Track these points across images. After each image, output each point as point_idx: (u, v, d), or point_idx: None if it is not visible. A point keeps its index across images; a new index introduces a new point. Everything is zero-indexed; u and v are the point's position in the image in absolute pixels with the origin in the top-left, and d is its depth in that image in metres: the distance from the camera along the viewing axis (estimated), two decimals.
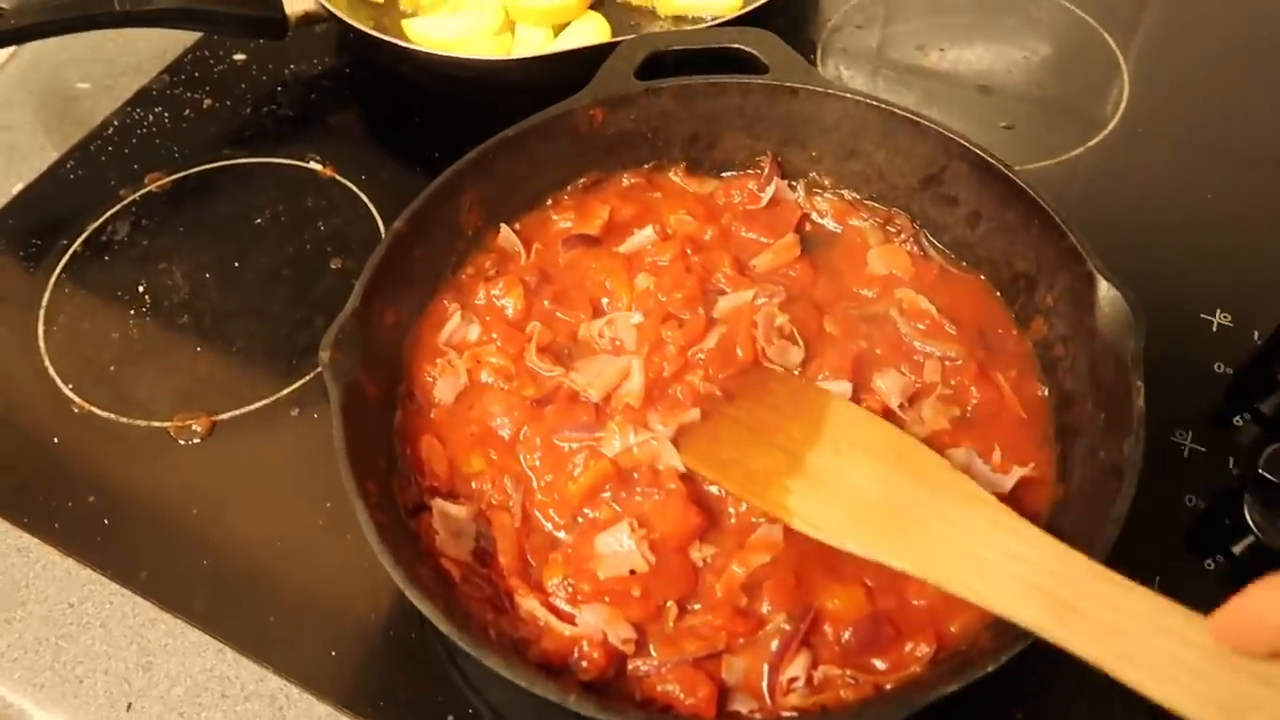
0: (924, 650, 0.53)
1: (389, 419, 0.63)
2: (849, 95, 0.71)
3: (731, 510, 0.59)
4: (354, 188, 0.83)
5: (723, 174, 0.77)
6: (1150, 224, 0.79)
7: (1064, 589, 0.44)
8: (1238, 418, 0.67)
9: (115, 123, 0.90)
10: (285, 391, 0.70)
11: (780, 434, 0.58)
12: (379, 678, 0.58)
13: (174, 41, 0.96)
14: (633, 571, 0.56)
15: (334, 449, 0.54)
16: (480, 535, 0.59)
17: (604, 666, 0.53)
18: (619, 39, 0.77)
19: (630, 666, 0.53)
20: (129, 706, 0.58)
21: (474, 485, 0.61)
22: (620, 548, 0.56)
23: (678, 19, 0.95)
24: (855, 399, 0.63)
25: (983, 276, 0.69)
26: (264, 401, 0.70)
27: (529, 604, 0.55)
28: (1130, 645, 0.40)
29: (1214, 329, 0.71)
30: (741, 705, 0.52)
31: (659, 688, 0.52)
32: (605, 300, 0.70)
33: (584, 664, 0.53)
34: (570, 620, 0.54)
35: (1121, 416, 0.54)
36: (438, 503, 0.59)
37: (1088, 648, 0.41)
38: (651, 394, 0.63)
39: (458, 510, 0.59)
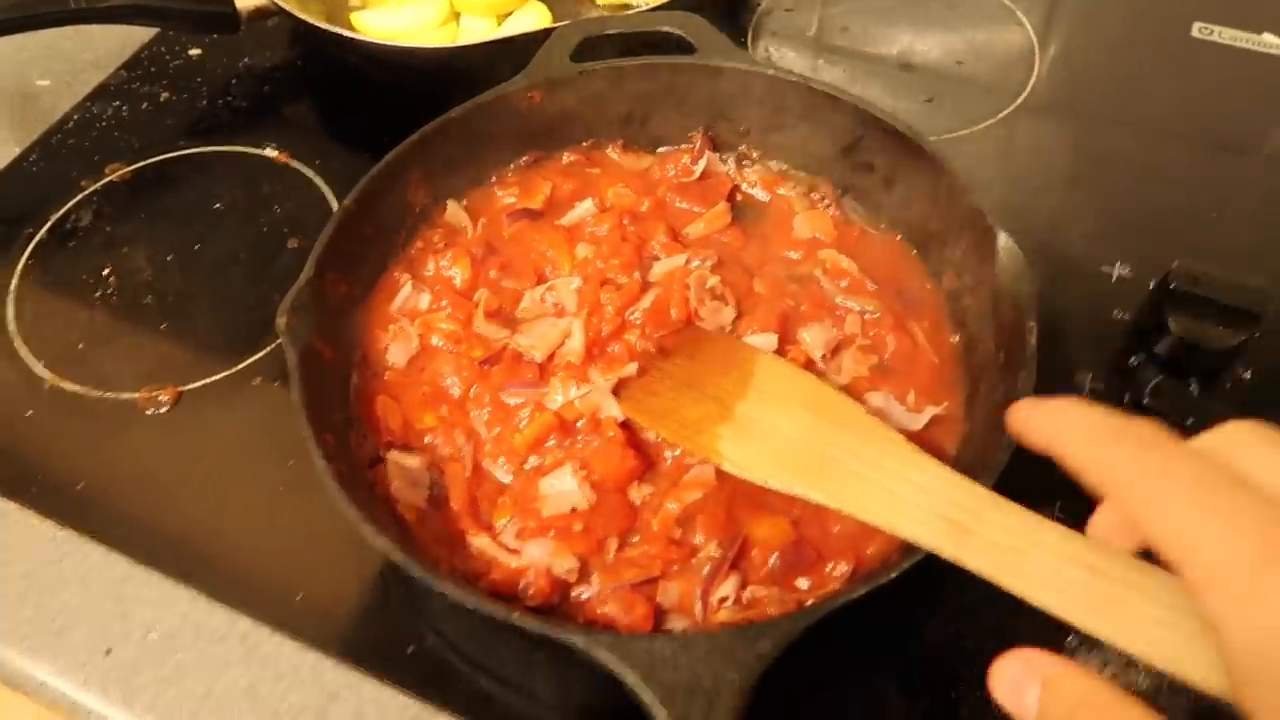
0: (843, 569, 0.58)
1: (345, 381, 0.67)
2: (770, 72, 0.76)
3: (668, 455, 0.64)
4: (309, 172, 0.87)
5: (657, 150, 0.81)
6: (1055, 187, 0.85)
7: (961, 515, 0.49)
8: (1134, 358, 0.73)
9: (75, 117, 0.93)
10: (247, 363, 0.74)
11: (712, 386, 0.64)
12: (343, 617, 0.62)
13: (131, 38, 0.99)
14: (574, 509, 0.60)
15: (293, 406, 0.58)
16: (434, 484, 0.63)
17: (549, 594, 0.57)
18: (557, 24, 0.81)
19: (573, 593, 0.58)
20: (108, 651, 0.61)
21: (427, 440, 0.65)
22: (563, 487, 0.61)
23: (618, 6, 0.99)
24: (781, 351, 0.68)
25: (899, 237, 0.75)
26: (226, 373, 0.73)
27: (479, 541, 0.60)
28: (1014, 559, 0.45)
29: (1113, 279, 0.77)
30: (676, 624, 0.57)
31: (599, 610, 0.57)
32: (548, 269, 0.74)
33: (530, 591, 0.57)
34: (517, 554, 0.59)
35: (1018, 354, 0.59)
36: (393, 454, 0.63)
37: (979, 563, 0.46)
38: (591, 352, 0.68)
39: (412, 461, 0.63)
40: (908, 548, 0.55)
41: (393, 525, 0.60)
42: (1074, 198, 0.84)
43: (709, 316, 0.71)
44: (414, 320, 0.70)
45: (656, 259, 0.74)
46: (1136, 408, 0.68)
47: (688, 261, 0.73)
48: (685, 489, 0.62)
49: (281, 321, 0.62)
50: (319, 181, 0.86)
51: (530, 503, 0.61)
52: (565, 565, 0.58)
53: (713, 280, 0.72)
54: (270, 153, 0.88)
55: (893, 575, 0.51)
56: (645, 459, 0.63)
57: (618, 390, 0.66)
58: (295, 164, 0.87)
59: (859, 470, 0.55)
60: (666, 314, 0.70)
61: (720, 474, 0.61)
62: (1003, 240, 0.64)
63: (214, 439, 0.70)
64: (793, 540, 0.59)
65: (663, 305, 0.71)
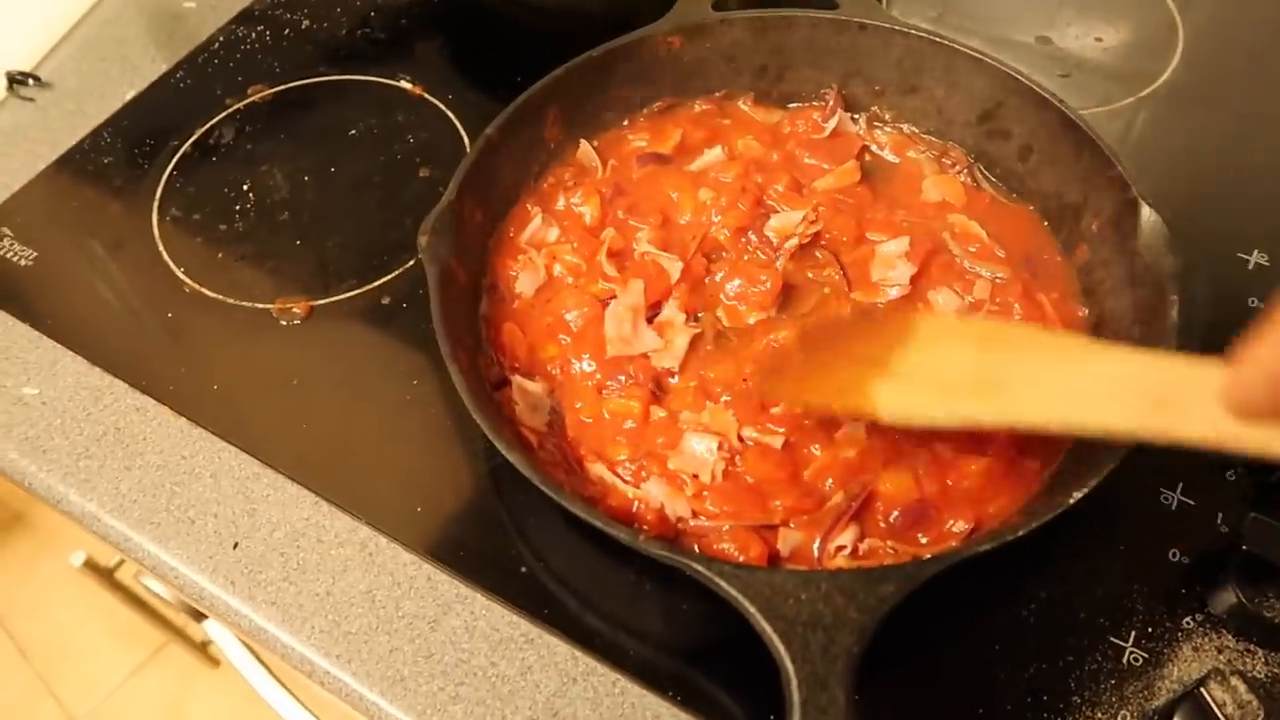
0: (961, 526, 0.58)
1: (475, 306, 0.69)
2: (914, 31, 0.75)
3: (829, 485, 0.60)
4: (441, 106, 0.88)
5: (789, 105, 0.81)
6: (1192, 171, 0.83)
7: (1156, 389, 0.48)
8: None
9: (220, 38, 0.96)
10: (377, 283, 0.76)
11: (866, 350, 0.60)
12: (460, 534, 0.64)
13: None
14: (697, 476, 0.60)
15: (433, 319, 0.59)
16: (553, 410, 0.65)
17: (660, 529, 0.58)
18: None
19: (692, 524, 0.59)
20: (235, 545, 0.64)
21: (549, 369, 0.67)
22: (701, 453, 0.61)
23: None
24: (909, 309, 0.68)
25: (1031, 208, 0.73)
26: (357, 290, 0.76)
27: (597, 468, 0.61)
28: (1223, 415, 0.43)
29: (1250, 266, 0.75)
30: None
31: (714, 545, 0.58)
32: (673, 212, 0.74)
33: (643, 525, 0.58)
34: (634, 486, 0.60)
35: (1157, 330, 0.58)
36: (517, 379, 0.65)
37: (1191, 431, 0.45)
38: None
39: (535, 386, 0.65)
40: (1031, 510, 0.55)
41: (516, 445, 0.61)
42: (1212, 183, 0.82)
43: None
44: (540, 251, 0.72)
45: (775, 210, 0.74)
46: None
47: (804, 218, 0.72)
48: (840, 446, 0.61)
49: (423, 240, 0.64)
50: (451, 115, 0.88)
51: (652, 442, 0.62)
52: (679, 512, 0.59)
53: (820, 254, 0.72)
54: (405, 84, 0.90)
55: (1019, 533, 0.51)
56: (796, 477, 0.61)
57: (763, 385, 0.64)
58: (429, 97, 0.89)
59: (1033, 381, 0.52)
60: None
61: (870, 429, 0.60)
62: (1147, 214, 0.63)
63: (343, 353, 0.73)
64: (916, 498, 0.59)
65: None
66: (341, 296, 0.75)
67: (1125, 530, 0.62)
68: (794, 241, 0.71)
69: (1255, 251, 0.75)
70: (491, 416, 0.57)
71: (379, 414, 0.69)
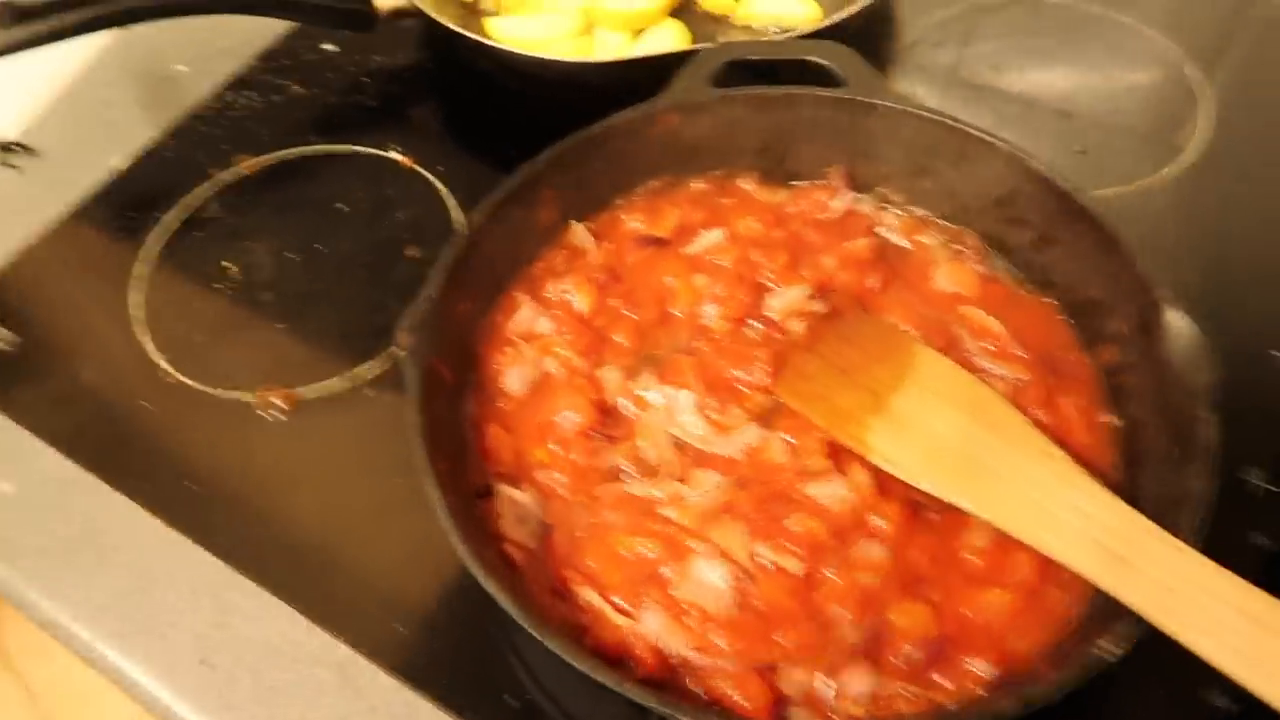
0: (984, 668, 0.53)
1: (460, 405, 0.65)
2: (925, 113, 0.72)
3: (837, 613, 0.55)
4: (432, 178, 0.85)
5: (792, 184, 0.77)
6: (1221, 256, 0.79)
7: (1120, 545, 0.48)
8: None
9: (210, 104, 0.94)
10: (361, 369, 0.73)
11: (865, 375, 0.62)
12: (442, 654, 0.60)
13: (267, 29, 1.00)
14: (706, 611, 0.55)
15: (407, 428, 0.56)
16: (544, 523, 0.61)
17: (657, 665, 0.54)
18: (698, 45, 0.78)
19: (692, 658, 0.54)
20: (203, 661, 0.61)
21: (538, 475, 0.62)
22: (711, 582, 0.55)
23: (749, 29, 0.96)
24: None
25: (1052, 302, 0.69)
26: (341, 380, 0.72)
27: (587, 594, 0.57)
28: (1176, 602, 0.44)
29: None
30: (796, 717, 0.53)
31: (712, 681, 0.53)
32: (669, 301, 0.70)
33: (637, 662, 0.54)
34: (630, 618, 0.55)
35: (1188, 448, 0.54)
36: (503, 488, 0.61)
37: (1136, 598, 0.45)
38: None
39: (522, 496, 0.61)
40: (1063, 655, 0.51)
41: (500, 564, 0.58)
42: (1242, 270, 0.77)
43: None
44: (532, 344, 0.68)
45: (772, 292, 0.69)
46: None
47: (808, 295, 0.68)
48: (857, 569, 0.56)
49: (403, 338, 0.61)
50: (440, 187, 0.85)
51: (655, 566, 0.57)
52: (679, 650, 0.54)
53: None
54: (395, 155, 0.87)
55: (1054, 694, 0.46)
56: (808, 606, 0.55)
57: (774, 371, 0.63)
58: (420, 169, 0.86)
59: (1013, 481, 0.54)
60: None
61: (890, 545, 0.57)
62: (1174, 319, 0.59)
63: (325, 450, 0.70)
64: (934, 634, 0.54)
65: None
66: (324, 384, 0.72)
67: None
68: (797, 324, 0.67)
69: None
70: (470, 535, 0.54)
71: (360, 516, 0.66)
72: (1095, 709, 0.56)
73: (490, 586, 0.51)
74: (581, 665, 0.48)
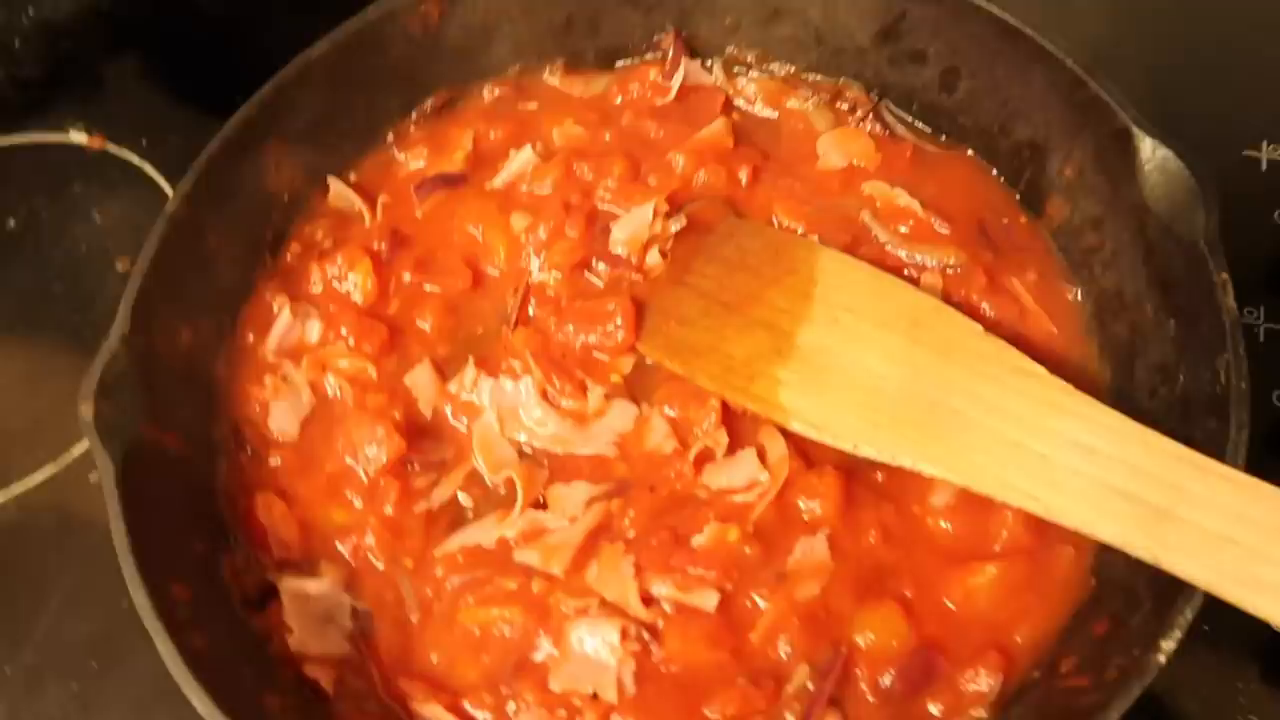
0: (986, 681, 0.42)
1: (208, 476, 0.48)
2: None
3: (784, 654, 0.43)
4: (134, 158, 0.67)
5: (615, 65, 0.62)
6: (1168, 55, 0.67)
7: (1151, 489, 0.37)
8: None
9: None
10: (76, 453, 0.54)
11: (760, 305, 0.49)
12: None
13: None
14: (596, 695, 0.42)
15: (115, 542, 0.40)
16: (359, 617, 0.45)
17: None
18: None
19: None
20: None
21: (340, 547, 0.47)
22: (597, 654, 0.42)
23: None
24: None
25: (971, 152, 0.56)
26: (47, 471, 0.54)
27: (431, 710, 0.42)
28: (1253, 563, 0.33)
29: (1263, 167, 0.60)
30: None
31: None
32: (481, 259, 0.54)
33: None
34: None
35: (1202, 323, 0.42)
36: (287, 582, 0.45)
37: (1189, 565, 0.34)
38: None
39: (317, 585, 0.46)
40: (1085, 639, 0.41)
41: (299, 706, 0.40)
42: (1192, 61, 0.66)
43: None
44: (300, 363, 0.51)
45: (614, 218, 0.54)
46: None
47: (657, 216, 0.53)
48: (792, 582, 0.44)
49: (86, 410, 0.43)
50: (149, 169, 0.66)
51: (523, 649, 0.43)
52: None
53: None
54: (77, 137, 0.68)
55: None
56: (740, 651, 0.43)
57: (634, 325, 0.49)
58: (114, 148, 0.67)
59: (983, 421, 0.42)
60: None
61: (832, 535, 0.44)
62: (1149, 150, 0.46)
63: (30, 570, 0.51)
64: (913, 646, 0.42)
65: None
66: (25, 480, 0.54)
67: None
68: (654, 255, 0.52)
69: (1265, 144, 0.61)
70: (243, 689, 0.36)
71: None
72: None
73: None
74: None
